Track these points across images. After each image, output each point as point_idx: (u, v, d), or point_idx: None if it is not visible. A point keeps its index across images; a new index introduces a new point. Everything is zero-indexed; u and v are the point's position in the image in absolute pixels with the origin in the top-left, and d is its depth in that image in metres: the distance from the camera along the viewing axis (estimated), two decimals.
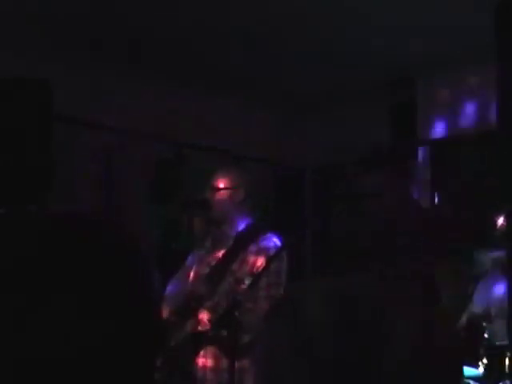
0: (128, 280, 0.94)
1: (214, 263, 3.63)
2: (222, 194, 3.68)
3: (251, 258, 3.51)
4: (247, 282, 3.30)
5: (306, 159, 6.53)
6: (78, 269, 0.91)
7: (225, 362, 3.27)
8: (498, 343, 3.68)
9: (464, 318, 4.00)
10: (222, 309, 3.37)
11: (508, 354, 3.44)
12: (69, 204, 4.73)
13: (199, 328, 3.52)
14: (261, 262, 3.44)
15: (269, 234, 3.56)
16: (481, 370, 3.50)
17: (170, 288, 3.69)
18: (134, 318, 0.92)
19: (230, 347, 3.01)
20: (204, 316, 3.51)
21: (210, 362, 3.46)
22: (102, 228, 0.99)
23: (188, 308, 3.53)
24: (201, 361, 3.50)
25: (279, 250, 3.43)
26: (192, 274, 3.70)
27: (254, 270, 3.45)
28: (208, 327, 3.46)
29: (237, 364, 3.01)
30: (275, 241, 3.52)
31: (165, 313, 3.52)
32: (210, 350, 3.47)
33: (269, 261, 3.27)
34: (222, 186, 3.71)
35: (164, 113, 5.57)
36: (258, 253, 3.50)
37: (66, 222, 0.98)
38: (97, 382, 0.89)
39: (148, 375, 0.95)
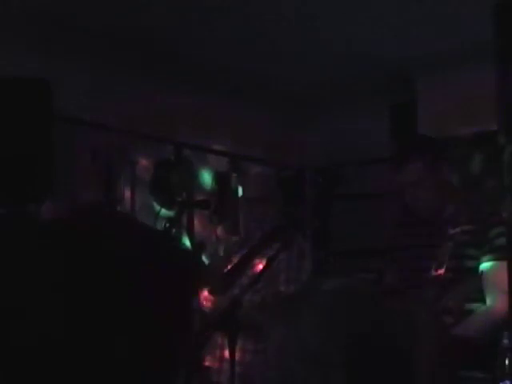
0: (123, 286, 0.94)
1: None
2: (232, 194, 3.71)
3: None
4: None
5: (306, 159, 6.53)
6: (76, 270, 0.91)
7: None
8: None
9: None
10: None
11: (508, 354, 3.44)
12: (68, 204, 4.73)
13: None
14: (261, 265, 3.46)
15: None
16: None
17: None
18: (128, 326, 0.92)
19: (230, 347, 3.02)
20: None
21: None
22: (100, 230, 0.99)
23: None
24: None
25: (279, 250, 3.43)
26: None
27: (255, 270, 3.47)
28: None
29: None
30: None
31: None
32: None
33: (269, 261, 3.27)
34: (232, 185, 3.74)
35: (164, 113, 5.56)
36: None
37: (64, 223, 0.98)
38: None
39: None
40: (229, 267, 3.67)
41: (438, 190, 3.08)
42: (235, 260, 3.68)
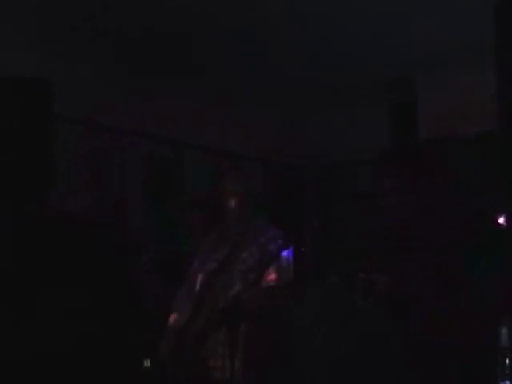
0: (117, 281, 0.95)
1: (221, 258, 3.65)
2: (227, 194, 3.72)
3: (260, 247, 3.54)
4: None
5: (306, 159, 6.53)
6: (74, 268, 0.92)
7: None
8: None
9: None
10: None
11: (508, 355, 3.44)
12: (68, 204, 4.74)
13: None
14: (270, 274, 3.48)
15: (274, 233, 3.58)
16: None
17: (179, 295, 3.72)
18: (120, 317, 0.93)
19: (230, 345, 3.02)
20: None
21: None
22: (98, 230, 1.00)
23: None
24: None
25: (280, 250, 3.44)
26: (200, 276, 3.71)
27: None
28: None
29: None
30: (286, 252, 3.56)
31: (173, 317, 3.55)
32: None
33: (270, 260, 3.29)
34: (226, 186, 3.75)
35: (164, 113, 5.57)
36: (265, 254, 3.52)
37: (64, 223, 0.98)
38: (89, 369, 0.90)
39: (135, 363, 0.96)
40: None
41: (426, 196, 3.08)
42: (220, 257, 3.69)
